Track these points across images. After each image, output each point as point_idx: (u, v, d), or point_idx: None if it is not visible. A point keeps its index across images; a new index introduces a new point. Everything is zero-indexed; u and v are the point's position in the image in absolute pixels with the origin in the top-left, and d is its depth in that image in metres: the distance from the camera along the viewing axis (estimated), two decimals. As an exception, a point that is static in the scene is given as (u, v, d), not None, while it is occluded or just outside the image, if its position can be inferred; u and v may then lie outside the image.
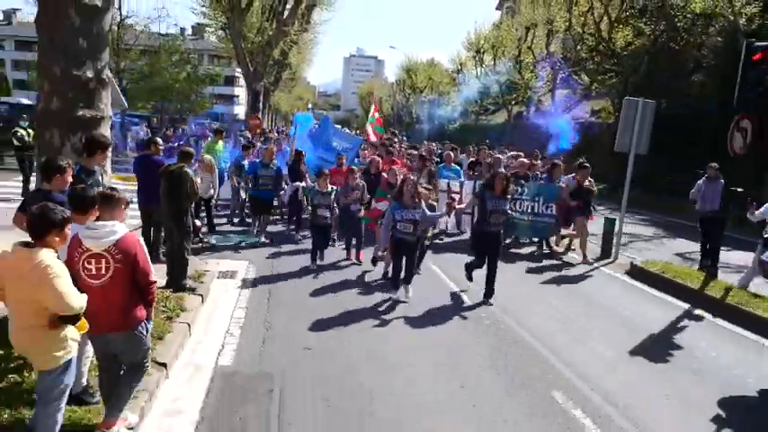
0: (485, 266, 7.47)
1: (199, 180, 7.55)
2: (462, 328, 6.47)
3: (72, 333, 3.21)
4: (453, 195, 10.65)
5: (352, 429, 4.23)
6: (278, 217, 12.15)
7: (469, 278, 7.81)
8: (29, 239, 3.17)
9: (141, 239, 3.75)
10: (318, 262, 8.65)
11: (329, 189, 8.76)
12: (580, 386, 5.11)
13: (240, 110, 76.53)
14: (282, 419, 4.28)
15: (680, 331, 6.90)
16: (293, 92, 72.53)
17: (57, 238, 3.16)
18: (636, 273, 9.32)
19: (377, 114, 17.67)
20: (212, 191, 10.11)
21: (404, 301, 7.11)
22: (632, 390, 5.14)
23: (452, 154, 13.12)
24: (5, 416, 3.64)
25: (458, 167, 12.44)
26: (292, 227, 10.95)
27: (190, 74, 39.38)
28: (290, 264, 8.78)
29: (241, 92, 75.02)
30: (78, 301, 3.10)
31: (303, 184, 10.63)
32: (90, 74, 4.85)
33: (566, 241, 11.18)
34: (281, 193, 11.07)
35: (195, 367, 5.13)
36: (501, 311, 7.06)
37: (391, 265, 7.54)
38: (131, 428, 3.88)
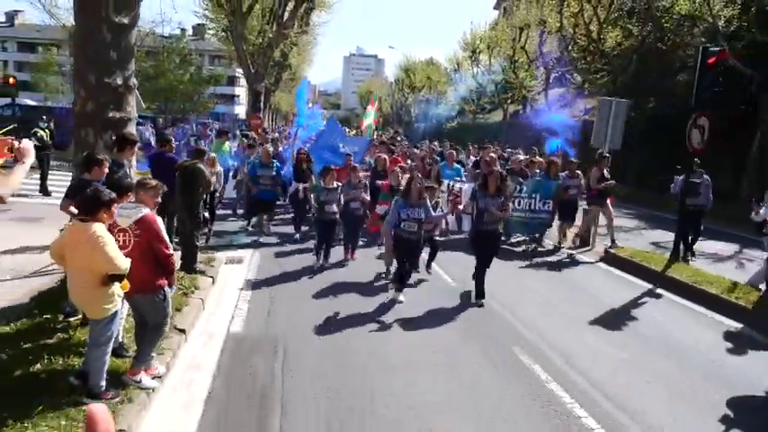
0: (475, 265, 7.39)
1: (213, 178, 8.43)
2: (461, 328, 6.48)
3: (117, 290, 4.04)
4: (456, 194, 10.74)
5: (347, 380, 5.05)
6: (279, 216, 12.22)
7: (480, 294, 7.42)
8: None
9: (160, 220, 4.56)
10: (322, 261, 8.64)
11: (335, 185, 8.74)
12: (566, 370, 5.78)
13: (241, 109, 77.25)
14: (285, 371, 5.10)
15: (640, 306, 7.75)
16: (293, 92, 73.27)
17: (105, 215, 3.98)
18: (609, 259, 10.14)
19: (372, 112, 17.73)
20: (217, 185, 10.92)
21: (400, 301, 7.11)
22: (611, 372, 5.94)
23: (454, 153, 13.10)
24: (60, 363, 4.47)
25: (459, 167, 12.40)
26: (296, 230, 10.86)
27: (193, 75, 40.25)
28: (293, 260, 9.13)
29: (241, 92, 75.72)
30: (124, 263, 3.92)
31: (307, 184, 10.59)
32: (119, 81, 5.68)
33: (570, 235, 11.42)
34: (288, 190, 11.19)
35: (209, 335, 5.96)
36: (500, 306, 7.25)
37: (394, 265, 7.50)
38: (159, 377, 4.70)
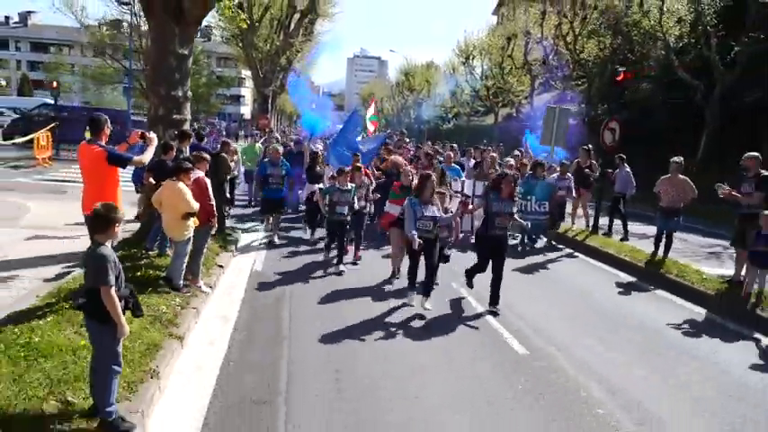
0: (488, 271, 7.32)
1: (232, 164, 11.01)
2: (466, 334, 6.50)
3: (190, 223, 6.60)
4: (465, 194, 10.92)
5: (335, 319, 7.57)
6: (291, 215, 12.72)
7: (470, 284, 7.64)
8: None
9: (208, 181, 7.07)
10: (335, 267, 8.66)
11: (348, 187, 8.68)
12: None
13: (246, 110, 79.87)
14: (291, 307, 7.61)
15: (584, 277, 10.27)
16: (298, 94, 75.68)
17: (184, 178, 6.53)
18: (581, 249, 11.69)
19: (370, 114, 19.55)
20: (235, 172, 13.35)
21: (427, 309, 7.03)
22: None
23: (452, 154, 13.31)
24: (151, 273, 7.03)
25: (458, 167, 12.47)
26: (309, 228, 11.10)
27: (208, 78, 43.04)
28: (302, 259, 9.47)
29: (247, 92, 78.32)
30: (195, 206, 6.48)
31: (320, 186, 10.57)
32: (180, 94, 8.26)
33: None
34: (299, 192, 11.74)
35: (239, 269, 8.51)
36: (507, 309, 7.28)
37: (407, 266, 7.36)
38: (209, 287, 7.24)
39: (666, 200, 9.56)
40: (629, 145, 14.00)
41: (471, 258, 8.05)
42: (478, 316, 7.09)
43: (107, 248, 3.75)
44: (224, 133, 23.41)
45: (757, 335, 6.88)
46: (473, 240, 9.22)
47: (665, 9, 19.69)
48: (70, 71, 57.37)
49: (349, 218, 8.71)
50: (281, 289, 7.71)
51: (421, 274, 7.15)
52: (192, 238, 6.69)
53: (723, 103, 19.06)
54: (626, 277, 9.59)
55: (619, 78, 10.78)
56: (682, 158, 9.64)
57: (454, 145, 17.49)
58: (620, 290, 8.87)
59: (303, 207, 12.11)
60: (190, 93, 8.50)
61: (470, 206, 8.21)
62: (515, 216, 7.27)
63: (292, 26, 28.47)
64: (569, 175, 11.58)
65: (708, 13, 18.58)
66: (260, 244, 10.34)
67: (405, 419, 4.49)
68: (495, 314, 7.05)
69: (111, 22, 36.69)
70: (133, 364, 4.55)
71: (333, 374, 5.17)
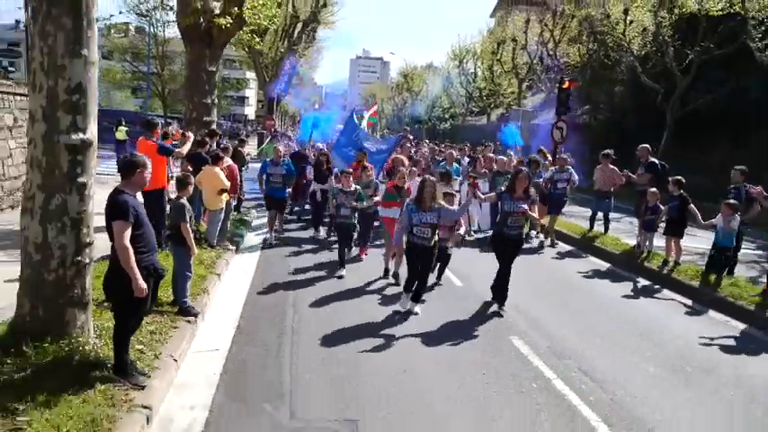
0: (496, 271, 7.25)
1: (248, 157, 13.39)
2: (472, 335, 6.36)
3: (224, 197, 8.98)
4: (473, 174, 10.96)
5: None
6: (294, 216, 12.94)
7: (500, 304, 7.26)
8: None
9: (236, 167, 9.46)
10: (342, 272, 8.40)
11: (353, 188, 8.58)
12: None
13: (250, 110, 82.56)
14: (295, 271, 9.96)
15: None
16: (301, 95, 78.27)
17: (220, 163, 8.91)
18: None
19: (367, 117, 21.44)
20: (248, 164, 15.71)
21: (415, 313, 6.86)
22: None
23: (453, 153, 13.64)
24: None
25: (458, 167, 12.73)
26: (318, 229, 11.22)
27: (221, 83, 45.65)
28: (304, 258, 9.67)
29: (251, 93, 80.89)
30: (227, 183, 8.87)
31: (326, 186, 10.67)
32: (208, 101, 10.67)
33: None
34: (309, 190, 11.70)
35: (252, 246, 10.86)
36: (514, 311, 7.21)
37: (401, 269, 7.45)
38: (230, 249, 9.61)
39: (598, 185, 11.88)
40: (607, 144, 15.06)
41: (470, 257, 9.15)
42: (486, 317, 6.96)
43: (184, 200, 6.13)
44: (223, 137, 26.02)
45: (642, 279, 9.23)
46: (469, 237, 9.90)
47: (628, 21, 22.01)
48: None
49: (355, 220, 8.63)
50: (284, 260, 10.06)
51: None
52: (223, 209, 9.10)
53: (681, 105, 21.36)
54: (566, 247, 11.94)
55: (564, 86, 13.09)
56: (611, 151, 11.94)
57: (457, 145, 18.42)
58: (559, 256, 11.20)
59: (308, 206, 12.39)
60: (216, 100, 10.89)
61: (479, 191, 7.78)
62: (530, 213, 7.11)
63: (296, 34, 30.88)
64: (569, 167, 11.93)
65: (665, 25, 20.88)
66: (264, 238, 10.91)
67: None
68: (499, 315, 6.95)
69: (120, 26, 39.46)
70: (192, 287, 6.91)
71: (327, 314, 6.87)
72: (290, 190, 10.99)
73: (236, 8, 9.82)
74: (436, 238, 6.84)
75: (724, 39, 19.42)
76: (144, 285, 4.09)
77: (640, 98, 23.83)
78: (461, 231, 7.83)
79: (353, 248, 9.48)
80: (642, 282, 9.18)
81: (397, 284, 7.95)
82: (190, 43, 10.27)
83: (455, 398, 4.89)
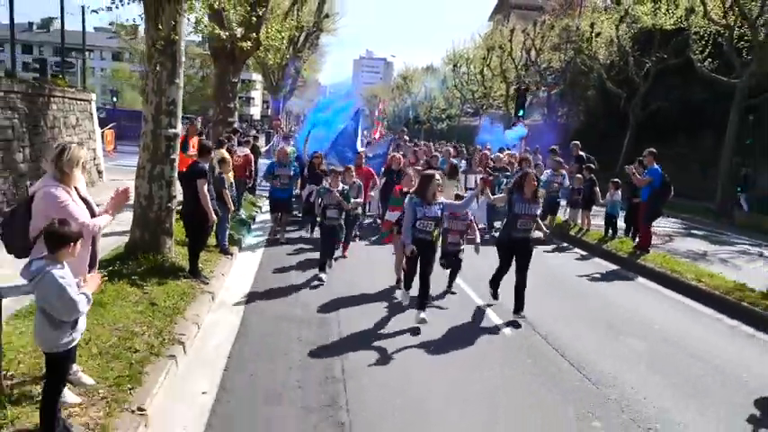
0: (508, 277, 7.03)
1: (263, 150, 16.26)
2: (489, 347, 6.14)
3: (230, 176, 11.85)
4: (489, 171, 11.55)
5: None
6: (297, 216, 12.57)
7: (494, 296, 7.27)
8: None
9: (252, 157, 12.31)
10: (322, 275, 7.98)
11: (340, 187, 8.29)
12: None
13: (255, 110, 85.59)
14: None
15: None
16: (305, 95, 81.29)
17: (233, 155, 11.76)
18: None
19: (377, 114, 24.02)
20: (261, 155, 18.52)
21: (421, 320, 6.39)
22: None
23: (451, 150, 14.22)
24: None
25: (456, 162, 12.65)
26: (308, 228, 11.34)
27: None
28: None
29: (256, 95, 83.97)
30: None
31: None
32: (231, 105, 13.57)
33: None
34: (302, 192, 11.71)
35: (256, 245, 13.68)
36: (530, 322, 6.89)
37: (403, 271, 7.06)
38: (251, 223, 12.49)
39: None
40: (586, 143, 16.23)
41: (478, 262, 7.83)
42: (497, 329, 6.69)
43: (225, 176, 8.97)
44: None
45: (575, 248, 11.90)
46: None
47: (594, 33, 24.83)
48: (91, 75, 63.17)
49: (342, 221, 8.41)
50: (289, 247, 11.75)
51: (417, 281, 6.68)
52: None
53: (642, 108, 24.13)
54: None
55: (523, 89, 15.86)
56: (557, 147, 14.72)
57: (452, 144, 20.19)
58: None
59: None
60: (237, 104, 13.78)
61: (488, 190, 7.57)
62: (539, 220, 7.01)
63: (300, 42, 33.69)
64: (563, 171, 12.47)
65: (625, 37, 23.68)
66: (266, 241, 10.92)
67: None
68: (517, 325, 6.69)
69: (129, 29, 42.40)
70: (210, 264, 9.40)
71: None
72: (297, 191, 11.08)
73: (253, 34, 12.66)
74: (437, 233, 6.59)
75: (676, 51, 22.19)
76: (215, 216, 6.96)
77: (608, 102, 26.64)
78: (478, 239, 7.43)
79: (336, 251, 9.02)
80: (564, 244, 12.02)
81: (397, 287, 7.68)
82: (217, 60, 13.15)
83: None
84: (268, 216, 12.15)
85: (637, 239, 10.80)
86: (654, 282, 9.24)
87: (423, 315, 6.42)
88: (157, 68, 6.80)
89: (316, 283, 7.91)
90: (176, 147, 7.30)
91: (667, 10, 21.31)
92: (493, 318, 7.00)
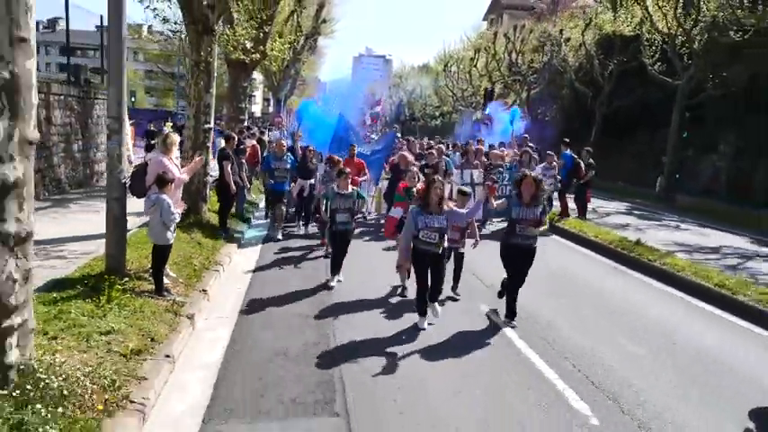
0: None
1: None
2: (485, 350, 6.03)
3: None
4: (493, 178, 11.60)
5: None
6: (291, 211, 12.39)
7: (500, 295, 7.06)
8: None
9: (258, 147, 15.13)
10: (337, 280, 7.92)
11: (350, 191, 7.93)
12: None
13: (257, 108, 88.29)
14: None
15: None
16: (304, 93, 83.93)
17: (231, 143, 14.57)
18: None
19: (377, 109, 26.18)
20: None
21: (428, 324, 6.39)
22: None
23: (443, 147, 14.61)
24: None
25: (449, 160, 12.99)
26: (302, 223, 11.62)
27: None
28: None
29: (257, 93, 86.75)
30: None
31: (312, 181, 11.04)
32: (243, 106, 16.42)
33: None
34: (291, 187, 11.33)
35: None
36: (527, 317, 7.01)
37: (414, 283, 6.55)
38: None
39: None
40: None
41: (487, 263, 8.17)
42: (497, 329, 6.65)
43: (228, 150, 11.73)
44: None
45: (556, 236, 13.85)
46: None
47: (563, 39, 27.64)
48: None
49: (353, 226, 8.21)
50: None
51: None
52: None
53: (607, 106, 26.91)
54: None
55: (489, 90, 18.56)
56: (505, 141, 17.48)
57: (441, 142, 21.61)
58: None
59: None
60: (248, 105, 16.60)
61: (493, 197, 7.24)
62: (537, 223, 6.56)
63: (299, 45, 36.41)
64: (555, 164, 12.74)
65: (590, 42, 26.48)
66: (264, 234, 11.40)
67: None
68: (512, 326, 6.62)
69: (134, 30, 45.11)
70: (212, 252, 12.41)
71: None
72: (293, 184, 11.11)
73: (261, 47, 15.46)
74: (445, 243, 6.36)
75: (634, 55, 24.93)
76: (234, 188, 9.84)
77: (578, 101, 29.41)
78: (477, 237, 7.50)
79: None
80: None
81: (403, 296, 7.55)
82: (231, 68, 15.96)
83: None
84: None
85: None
86: (567, 240, 12.16)
87: (437, 306, 6.48)
88: (197, 80, 9.63)
89: (328, 285, 7.85)
90: (210, 137, 10.13)
91: (625, 19, 24.05)
92: (496, 320, 6.96)
